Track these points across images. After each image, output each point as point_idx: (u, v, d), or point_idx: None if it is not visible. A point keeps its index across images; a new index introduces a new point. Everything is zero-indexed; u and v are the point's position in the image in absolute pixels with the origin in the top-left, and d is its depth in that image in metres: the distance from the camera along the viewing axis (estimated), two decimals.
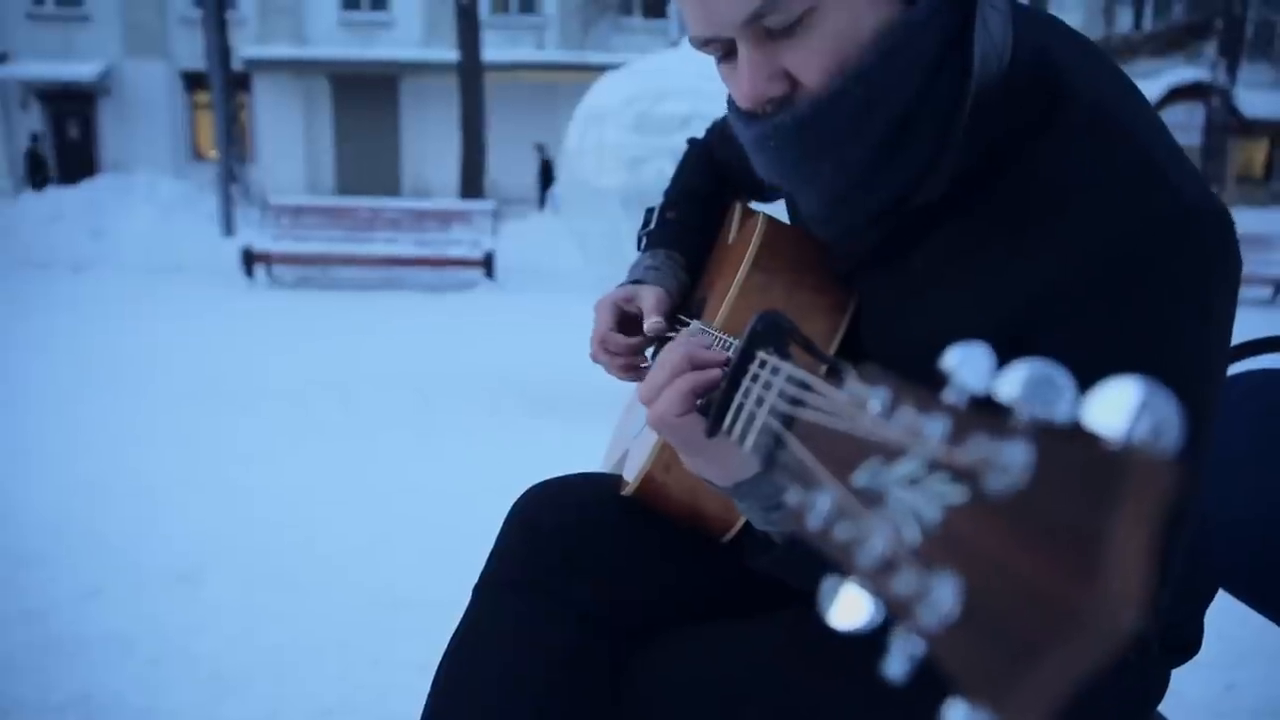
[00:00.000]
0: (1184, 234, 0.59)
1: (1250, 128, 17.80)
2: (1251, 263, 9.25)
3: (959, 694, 0.23)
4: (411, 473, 3.24)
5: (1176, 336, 0.60)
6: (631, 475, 0.88)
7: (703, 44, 0.69)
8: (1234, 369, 1.01)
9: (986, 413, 0.25)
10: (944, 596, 0.23)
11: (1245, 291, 9.58)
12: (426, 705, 0.81)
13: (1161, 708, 0.86)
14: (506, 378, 4.74)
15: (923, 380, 0.30)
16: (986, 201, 0.65)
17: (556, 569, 0.84)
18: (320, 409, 4.12)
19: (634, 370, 0.95)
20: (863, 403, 0.33)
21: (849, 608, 0.31)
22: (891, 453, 0.28)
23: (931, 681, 0.82)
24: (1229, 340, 0.64)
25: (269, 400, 4.24)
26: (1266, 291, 9.43)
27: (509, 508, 0.95)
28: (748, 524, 0.85)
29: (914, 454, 0.27)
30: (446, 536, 2.52)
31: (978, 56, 0.63)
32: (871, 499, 0.28)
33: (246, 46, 17.67)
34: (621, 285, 1.00)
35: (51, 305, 7.08)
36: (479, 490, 2.67)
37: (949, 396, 0.28)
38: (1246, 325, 1.05)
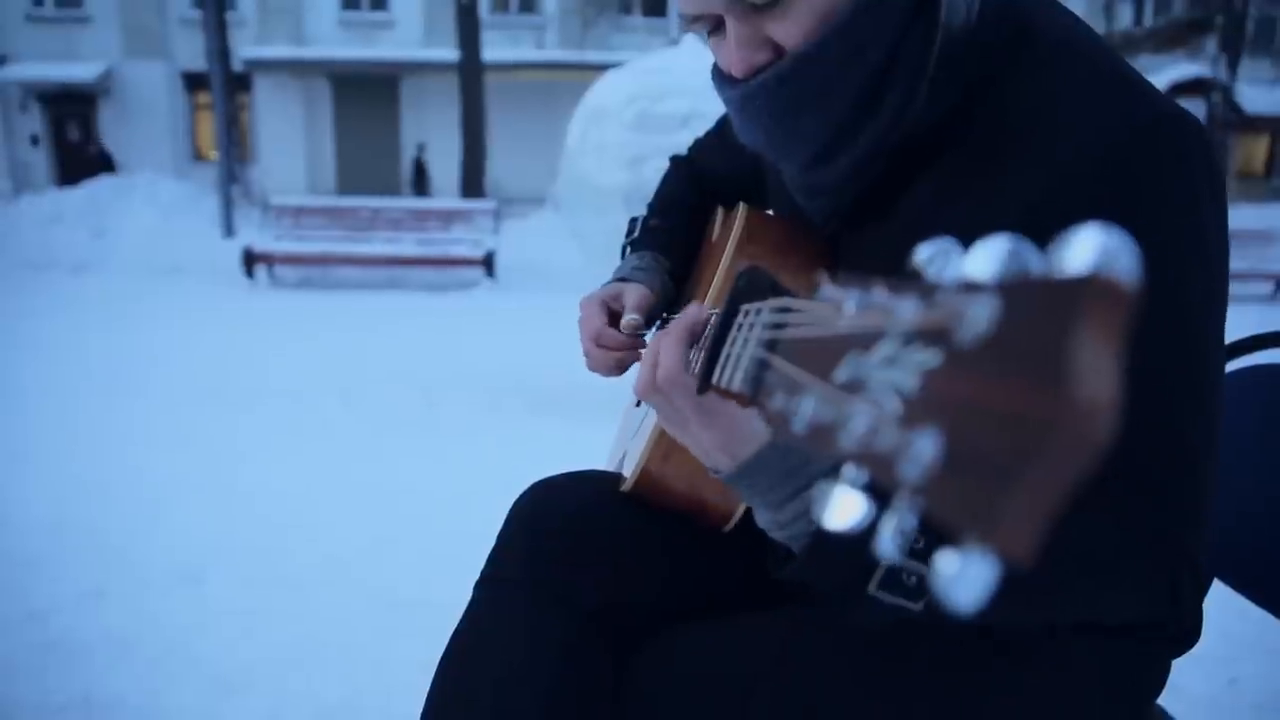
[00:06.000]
0: (1162, 135, 0.61)
1: (1251, 123, 17.78)
2: (1252, 259, 9.23)
3: (949, 543, 0.23)
4: (413, 472, 3.24)
5: (1170, 231, 0.61)
6: (630, 471, 0.88)
7: (692, 20, 0.73)
8: (1235, 364, 1.01)
9: (956, 283, 0.25)
10: (924, 449, 0.23)
11: (1245, 288, 9.50)
12: (427, 702, 0.81)
13: (1164, 703, 0.86)
14: (508, 376, 4.74)
15: None
16: (965, 141, 0.68)
17: (558, 565, 0.83)
18: (322, 409, 4.12)
19: (623, 368, 0.94)
20: (839, 304, 0.33)
21: (842, 507, 0.31)
22: (868, 341, 0.28)
23: (933, 676, 0.80)
24: (1225, 238, 0.65)
25: (270, 400, 4.24)
26: (1267, 287, 9.37)
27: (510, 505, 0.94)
28: (749, 514, 0.85)
29: (889, 334, 0.27)
30: (449, 536, 2.52)
31: (945, 5, 0.66)
32: (854, 388, 0.28)
33: (246, 47, 17.67)
34: (607, 284, 1.00)
35: (52, 307, 7.09)
36: (481, 489, 2.66)
37: (921, 281, 0.28)
38: (1247, 321, 1.06)
